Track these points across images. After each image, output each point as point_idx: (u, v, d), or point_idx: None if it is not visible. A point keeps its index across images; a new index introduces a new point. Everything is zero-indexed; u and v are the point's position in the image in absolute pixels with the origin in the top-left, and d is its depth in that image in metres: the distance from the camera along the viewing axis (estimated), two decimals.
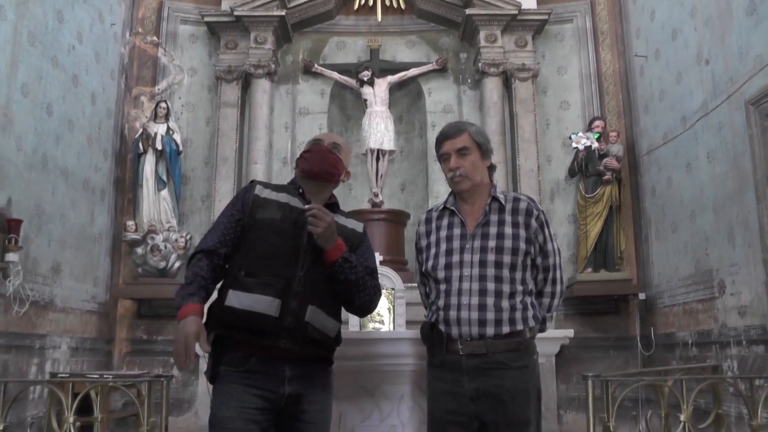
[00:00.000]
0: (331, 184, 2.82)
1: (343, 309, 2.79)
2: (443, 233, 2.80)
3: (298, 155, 2.88)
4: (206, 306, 2.58)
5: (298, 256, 2.59)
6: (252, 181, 2.82)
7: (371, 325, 5.40)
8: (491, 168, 2.86)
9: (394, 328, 5.33)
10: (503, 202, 2.77)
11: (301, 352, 2.56)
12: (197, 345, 2.44)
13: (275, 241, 2.59)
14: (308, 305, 2.55)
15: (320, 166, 2.75)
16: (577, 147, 7.75)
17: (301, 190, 2.75)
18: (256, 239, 2.61)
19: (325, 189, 2.80)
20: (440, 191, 8.36)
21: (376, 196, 8.31)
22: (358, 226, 2.85)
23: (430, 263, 2.79)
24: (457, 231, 2.77)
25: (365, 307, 2.81)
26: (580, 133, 7.86)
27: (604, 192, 7.68)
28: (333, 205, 2.81)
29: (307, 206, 2.61)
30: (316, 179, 2.76)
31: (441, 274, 2.74)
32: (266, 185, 2.77)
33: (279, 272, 2.55)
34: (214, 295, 2.64)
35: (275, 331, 2.49)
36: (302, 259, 2.60)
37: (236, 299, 2.50)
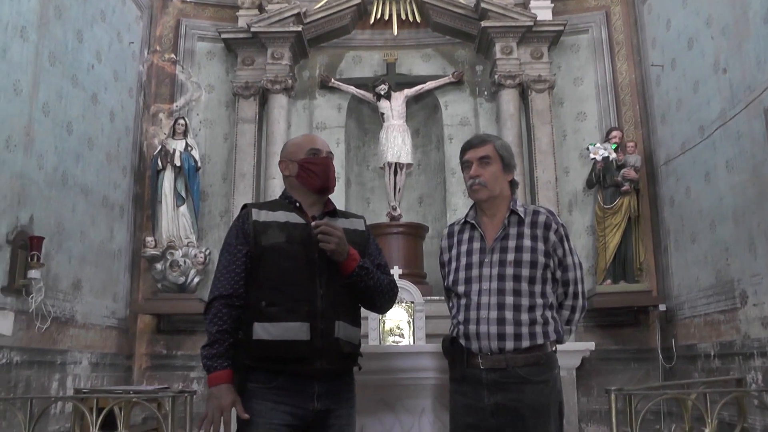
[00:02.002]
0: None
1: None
2: (464, 247, 2.80)
3: (285, 160, 2.79)
4: None
5: (314, 275, 2.58)
6: (244, 206, 2.76)
7: (391, 339, 5.40)
8: (513, 183, 2.85)
9: (414, 342, 5.32)
10: (522, 215, 2.76)
11: (334, 369, 2.58)
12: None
13: (288, 265, 2.57)
14: (335, 321, 2.57)
15: (327, 181, 2.74)
16: (594, 158, 7.71)
17: (297, 204, 2.72)
18: (268, 267, 2.58)
19: (323, 199, 2.78)
20: (458, 204, 8.35)
21: (395, 209, 8.32)
22: (360, 224, 2.85)
23: (451, 278, 2.80)
24: (476, 245, 2.77)
25: (385, 306, 2.88)
26: (598, 144, 7.83)
27: (623, 203, 7.64)
28: (333, 212, 2.79)
29: (313, 223, 2.60)
30: (323, 194, 2.76)
31: (461, 289, 2.74)
32: (260, 206, 2.74)
33: (300, 295, 2.54)
34: None
35: (310, 355, 2.50)
36: (318, 276, 2.59)
37: (264, 331, 2.50)
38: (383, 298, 2.78)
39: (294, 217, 2.67)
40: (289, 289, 2.54)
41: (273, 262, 2.58)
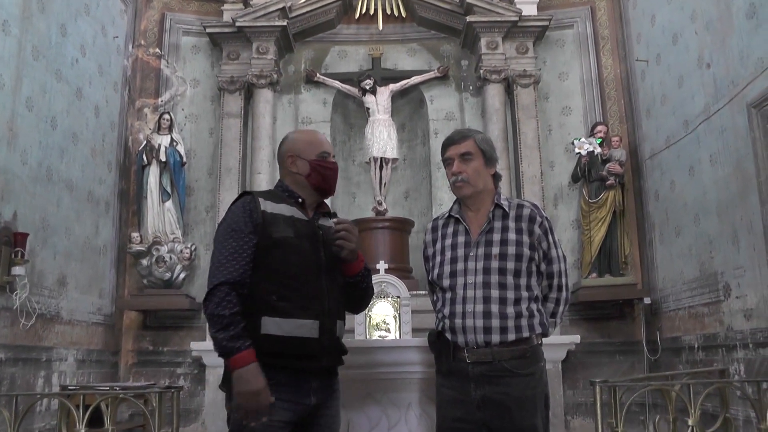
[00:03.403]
0: None
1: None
2: (448, 241, 2.81)
3: (294, 155, 2.75)
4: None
5: (320, 272, 2.60)
6: (249, 194, 2.69)
7: (377, 334, 5.40)
8: (496, 177, 2.86)
9: (400, 336, 5.32)
10: (507, 209, 2.77)
11: (333, 366, 2.64)
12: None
13: (296, 260, 2.55)
14: (336, 320, 2.61)
15: (334, 185, 2.78)
16: (579, 152, 7.76)
17: (300, 200, 2.71)
18: (278, 261, 2.53)
19: (321, 200, 2.81)
20: (444, 198, 8.37)
21: (380, 204, 8.32)
22: None
23: (435, 271, 2.81)
24: (461, 239, 2.78)
25: (364, 307, 3.00)
26: (583, 139, 7.87)
27: (608, 197, 7.69)
28: (328, 213, 2.81)
29: (335, 220, 2.64)
30: (325, 196, 2.79)
31: (446, 282, 2.75)
32: (264, 196, 2.67)
33: (310, 292, 2.55)
34: None
35: (318, 352, 2.53)
36: (323, 274, 2.61)
37: (275, 326, 2.47)
38: (368, 300, 2.89)
39: (297, 213, 2.66)
40: (300, 286, 2.54)
41: (283, 256, 2.54)
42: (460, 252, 2.75)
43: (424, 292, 6.70)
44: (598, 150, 7.75)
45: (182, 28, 8.78)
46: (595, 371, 7.40)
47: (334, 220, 2.64)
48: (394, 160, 8.60)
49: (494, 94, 8.37)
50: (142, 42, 8.56)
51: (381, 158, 8.46)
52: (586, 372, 7.47)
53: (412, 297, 5.69)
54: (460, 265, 2.73)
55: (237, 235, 2.55)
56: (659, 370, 7.14)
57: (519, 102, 8.35)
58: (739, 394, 4.80)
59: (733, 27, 5.74)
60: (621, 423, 2.85)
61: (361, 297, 2.78)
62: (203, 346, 6.07)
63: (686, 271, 6.80)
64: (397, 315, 5.45)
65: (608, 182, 7.66)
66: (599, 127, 7.99)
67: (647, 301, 7.57)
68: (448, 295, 2.73)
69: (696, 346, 6.59)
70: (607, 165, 7.69)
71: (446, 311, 2.72)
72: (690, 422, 2.90)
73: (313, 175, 2.71)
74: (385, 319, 5.42)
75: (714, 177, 6.16)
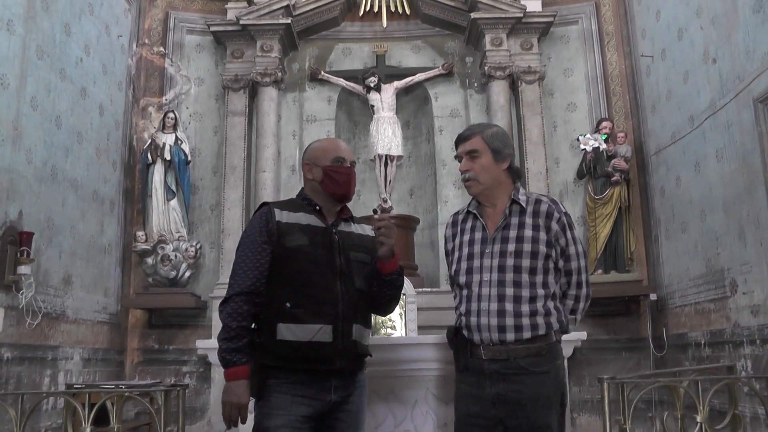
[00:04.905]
0: None
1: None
2: (466, 237, 2.79)
3: (310, 163, 2.81)
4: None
5: (336, 278, 2.64)
6: (266, 204, 2.77)
7: (383, 331, 5.40)
8: (512, 171, 2.80)
9: (405, 334, 5.32)
10: (524, 204, 2.73)
11: (351, 367, 2.67)
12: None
13: (311, 268, 2.61)
14: (353, 324, 2.64)
15: (348, 191, 2.79)
16: (585, 149, 7.73)
17: (318, 207, 2.75)
18: (293, 270, 2.61)
19: (340, 205, 2.83)
20: (449, 195, 8.35)
21: (385, 201, 8.31)
22: (370, 230, 2.88)
23: (453, 268, 2.80)
24: (478, 235, 2.75)
25: (395, 306, 2.99)
26: (588, 135, 7.84)
27: (613, 193, 7.66)
28: (350, 218, 2.85)
29: (376, 216, 2.68)
30: (342, 202, 2.81)
31: (462, 279, 2.74)
32: (281, 206, 2.74)
33: (324, 298, 2.60)
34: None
35: (332, 355, 2.58)
36: (339, 279, 2.64)
37: (289, 332, 2.55)
38: (398, 301, 2.90)
39: (314, 220, 2.71)
40: (314, 292, 2.59)
41: (297, 263, 2.61)
42: (477, 248, 2.73)
43: (429, 290, 6.71)
44: (604, 146, 7.73)
45: (186, 26, 8.78)
46: (600, 368, 7.39)
47: (376, 216, 2.68)
48: (399, 157, 8.57)
49: (499, 90, 8.35)
50: (147, 41, 8.56)
51: (386, 155, 8.43)
52: (591, 369, 7.46)
53: (417, 294, 5.69)
54: (476, 262, 2.71)
55: (253, 245, 2.66)
56: (665, 366, 7.12)
57: (524, 98, 8.34)
58: (747, 391, 4.78)
59: (739, 22, 5.71)
60: (629, 420, 2.83)
61: (392, 296, 2.80)
62: (209, 344, 6.03)
63: (692, 267, 6.77)
64: (402, 312, 5.44)
65: (613, 178, 7.64)
66: (604, 123, 7.97)
67: (653, 297, 7.54)
68: (465, 292, 2.72)
69: (702, 342, 6.57)
70: (613, 161, 7.67)
71: (462, 309, 2.72)
72: (699, 419, 2.88)
73: (326, 181, 2.76)
74: (390, 316, 5.42)
75: (720, 172, 6.13)
